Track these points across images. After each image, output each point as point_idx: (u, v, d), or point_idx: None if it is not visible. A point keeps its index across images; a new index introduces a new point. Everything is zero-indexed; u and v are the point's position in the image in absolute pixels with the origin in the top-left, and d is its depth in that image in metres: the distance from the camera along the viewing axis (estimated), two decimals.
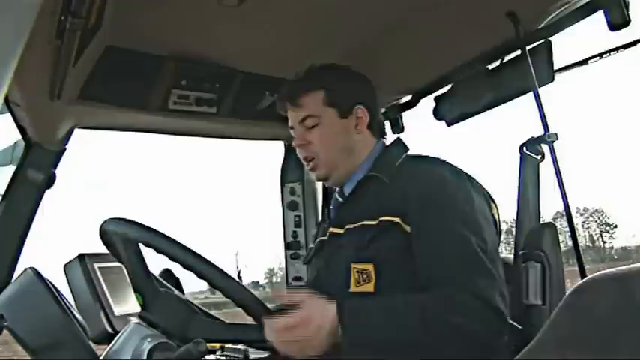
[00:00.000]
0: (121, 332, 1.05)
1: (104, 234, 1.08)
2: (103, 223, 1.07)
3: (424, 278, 1.17)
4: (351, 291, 1.23)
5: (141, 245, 1.05)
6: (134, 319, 1.09)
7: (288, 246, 2.23)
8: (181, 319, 1.05)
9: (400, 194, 1.24)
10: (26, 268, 1.23)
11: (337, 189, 1.44)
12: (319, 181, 1.47)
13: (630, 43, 1.37)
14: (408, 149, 1.40)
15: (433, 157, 1.34)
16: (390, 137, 1.48)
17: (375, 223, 1.24)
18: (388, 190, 1.28)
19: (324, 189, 2.23)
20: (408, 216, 1.21)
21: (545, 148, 1.40)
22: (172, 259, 1.01)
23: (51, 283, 1.22)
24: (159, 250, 1.01)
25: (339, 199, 1.42)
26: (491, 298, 1.10)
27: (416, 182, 1.25)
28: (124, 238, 1.04)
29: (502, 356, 1.13)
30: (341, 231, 1.34)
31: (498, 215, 1.30)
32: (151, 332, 1.02)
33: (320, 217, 2.21)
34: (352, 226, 1.30)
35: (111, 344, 1.04)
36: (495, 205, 1.31)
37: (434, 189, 1.23)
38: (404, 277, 1.19)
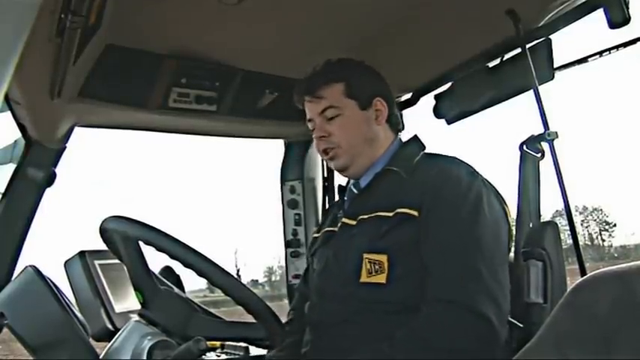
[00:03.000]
0: (121, 330, 1.05)
1: (104, 232, 1.08)
2: (103, 221, 1.06)
3: (426, 278, 1.18)
4: (361, 281, 1.23)
5: (141, 243, 1.05)
6: (134, 317, 1.09)
7: (288, 244, 2.23)
8: (181, 317, 1.05)
9: (418, 189, 1.25)
10: (26, 266, 1.23)
11: (352, 181, 1.44)
12: (338, 170, 1.43)
13: (630, 41, 1.37)
14: (425, 147, 1.41)
15: (452, 157, 1.34)
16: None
17: (391, 214, 1.24)
18: (406, 185, 1.28)
19: (324, 187, 2.24)
20: (422, 210, 1.22)
21: (545, 146, 1.40)
22: (173, 257, 1.00)
23: (51, 281, 1.22)
24: (159, 249, 1.00)
25: (355, 190, 1.41)
26: (483, 313, 1.11)
27: (432, 178, 1.25)
28: (124, 236, 1.04)
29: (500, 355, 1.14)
30: (353, 222, 1.33)
31: (509, 218, 1.30)
32: (151, 330, 1.02)
33: (320, 216, 2.21)
34: (366, 216, 1.30)
35: (111, 342, 1.04)
36: (507, 207, 1.31)
37: (447, 186, 1.24)
38: (417, 270, 1.20)
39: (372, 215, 1.28)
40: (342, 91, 1.38)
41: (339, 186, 1.54)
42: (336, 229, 1.40)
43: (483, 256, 1.16)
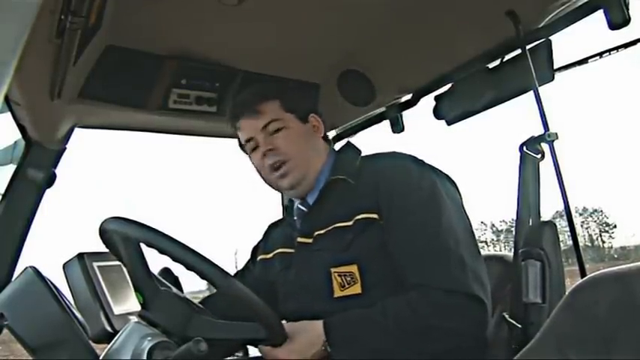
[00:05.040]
0: (120, 331, 1.05)
1: (104, 233, 1.08)
2: (103, 222, 1.06)
3: (400, 270, 1.18)
4: (336, 296, 1.22)
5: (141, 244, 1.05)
6: (134, 318, 1.09)
7: None
8: (181, 318, 1.05)
9: (370, 191, 1.24)
10: (26, 267, 1.22)
11: (298, 200, 1.41)
12: (288, 189, 1.36)
13: (630, 42, 1.37)
14: (360, 151, 1.40)
15: (393, 152, 1.34)
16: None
17: (350, 223, 1.23)
18: (356, 190, 1.27)
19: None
20: (381, 210, 1.22)
21: (545, 147, 1.40)
22: (173, 258, 1.00)
23: (51, 283, 1.21)
24: (160, 250, 1.00)
25: (303, 208, 1.38)
26: (465, 288, 1.11)
27: (383, 177, 1.25)
28: (125, 238, 1.04)
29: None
30: (310, 240, 1.31)
31: (461, 198, 1.31)
32: (150, 331, 1.02)
33: None
34: (323, 231, 1.28)
35: (111, 343, 1.04)
36: (458, 188, 1.32)
37: (398, 180, 1.24)
38: (390, 273, 1.19)
39: (330, 228, 1.26)
40: (279, 106, 1.36)
41: (286, 206, 1.52)
42: (292, 250, 1.37)
43: (457, 238, 1.17)
